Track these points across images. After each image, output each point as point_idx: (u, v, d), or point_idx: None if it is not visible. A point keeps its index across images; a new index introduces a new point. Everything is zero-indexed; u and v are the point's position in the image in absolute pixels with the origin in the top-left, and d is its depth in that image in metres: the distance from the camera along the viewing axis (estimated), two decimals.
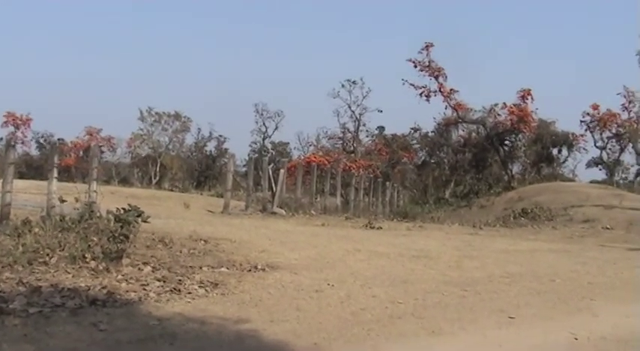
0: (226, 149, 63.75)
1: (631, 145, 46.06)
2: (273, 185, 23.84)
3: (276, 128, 63.57)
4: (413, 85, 36.44)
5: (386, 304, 8.25)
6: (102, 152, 53.18)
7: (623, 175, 50.47)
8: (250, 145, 65.21)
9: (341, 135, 49.99)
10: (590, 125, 46.14)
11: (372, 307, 8.04)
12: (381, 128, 51.09)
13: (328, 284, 9.11)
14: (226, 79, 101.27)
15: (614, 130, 45.95)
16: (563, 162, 49.52)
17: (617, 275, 11.92)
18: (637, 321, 8.05)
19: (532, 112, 38.26)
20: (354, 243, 13.70)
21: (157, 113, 61.81)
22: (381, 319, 7.43)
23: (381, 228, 19.30)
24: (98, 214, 10.61)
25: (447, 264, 12.03)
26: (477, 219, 25.36)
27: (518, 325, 7.57)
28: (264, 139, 64.82)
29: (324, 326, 6.97)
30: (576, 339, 6.96)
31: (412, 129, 47.75)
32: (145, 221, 9.37)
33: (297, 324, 6.99)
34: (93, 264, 8.57)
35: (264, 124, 63.71)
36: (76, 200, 12.12)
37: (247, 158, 37.81)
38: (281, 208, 22.78)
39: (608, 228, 21.72)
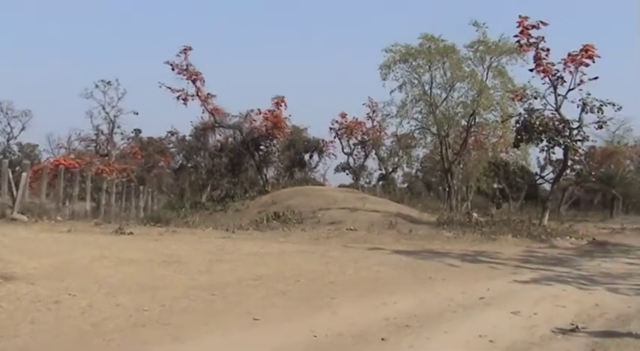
0: None
1: (374, 151, 49.56)
2: (14, 189, 22.09)
3: (23, 128, 59.19)
4: (170, 88, 35.95)
5: (131, 312, 8.00)
6: None
7: (367, 180, 53.86)
8: None
9: (94, 137, 47.84)
10: (339, 132, 48.80)
11: (115, 316, 7.75)
12: (137, 131, 49.80)
13: (69, 294, 8.62)
14: None
15: (359, 138, 49.04)
16: (315, 167, 51.86)
17: (357, 273, 12.72)
18: (372, 316, 8.61)
19: (286, 118, 39.59)
20: (101, 249, 13.14)
21: None
22: (124, 329, 7.19)
23: (132, 233, 18.71)
24: None
25: (197, 268, 11.99)
26: (232, 222, 25.61)
27: (262, 326, 7.74)
28: (8, 140, 59.97)
29: (62, 339, 6.59)
30: (315, 337, 7.25)
31: (169, 132, 47.12)
32: None
33: (30, 339, 6.50)
34: None
35: (9, 123, 58.99)
36: None
37: None
38: (22, 214, 21.16)
39: (352, 229, 23.00)
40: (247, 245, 17.13)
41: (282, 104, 38.80)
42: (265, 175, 40.68)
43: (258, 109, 39.28)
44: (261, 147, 39.76)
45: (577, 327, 8.31)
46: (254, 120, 39.58)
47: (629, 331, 8.07)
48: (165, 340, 6.84)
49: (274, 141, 39.78)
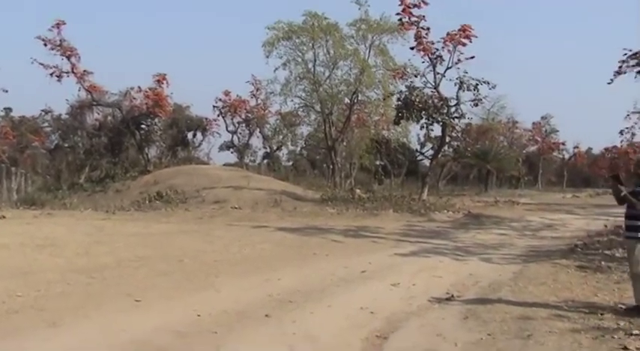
0: None
1: (258, 129, 49.38)
2: None
3: None
4: (43, 65, 34.28)
5: (3, 298, 7.67)
6: None
7: (252, 158, 53.55)
8: None
9: None
10: (223, 111, 48.25)
11: None
12: (8, 110, 47.18)
13: None
14: None
15: (243, 116, 48.67)
16: (198, 146, 51.21)
17: (241, 251, 12.71)
18: (255, 293, 8.63)
19: (167, 96, 38.66)
20: None
21: None
22: None
23: (4, 217, 17.87)
24: None
25: (74, 251, 11.62)
26: (112, 203, 24.93)
27: (143, 307, 7.60)
28: None
29: None
30: (199, 316, 7.19)
31: (43, 111, 44.96)
32: None
33: None
34: None
35: None
36: None
37: None
38: None
39: (236, 207, 22.92)
40: (128, 226, 16.76)
41: (164, 82, 37.84)
42: (147, 155, 39.68)
43: (139, 87, 38.15)
44: (142, 126, 38.72)
45: (452, 296, 8.68)
46: (134, 98, 38.40)
47: (499, 298, 8.50)
48: (40, 326, 6.58)
49: (156, 119, 38.84)
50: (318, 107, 37.01)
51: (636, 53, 18.17)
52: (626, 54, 18.61)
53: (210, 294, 8.48)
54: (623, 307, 7.84)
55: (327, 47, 35.44)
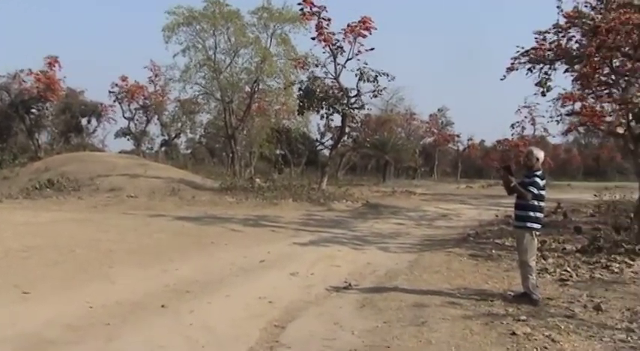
0: None
1: (156, 116, 48.33)
2: None
3: None
4: None
5: None
6: None
7: (150, 146, 52.26)
8: None
9: None
10: (119, 96, 46.92)
11: None
12: None
13: None
14: None
15: (141, 102, 47.47)
16: (93, 132, 49.66)
17: (137, 241, 12.39)
18: (152, 283, 8.45)
19: (60, 80, 37.25)
20: None
21: None
22: None
23: None
24: None
25: None
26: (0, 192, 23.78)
27: (33, 299, 7.30)
28: None
29: None
30: (91, 307, 6.97)
31: None
32: None
33: None
34: None
35: None
36: None
37: None
38: None
39: (132, 196, 22.30)
40: (16, 215, 16.05)
41: (56, 65, 36.38)
42: (37, 141, 38.17)
43: (29, 70, 36.55)
44: (33, 110, 37.16)
45: (350, 285, 8.79)
46: (24, 81, 36.82)
47: (395, 286, 8.68)
48: None
49: (47, 104, 37.36)
50: (218, 95, 36.52)
51: (527, 51, 18.83)
52: (518, 51, 19.28)
53: (104, 285, 8.24)
54: (512, 294, 8.17)
55: (228, 34, 35.01)
